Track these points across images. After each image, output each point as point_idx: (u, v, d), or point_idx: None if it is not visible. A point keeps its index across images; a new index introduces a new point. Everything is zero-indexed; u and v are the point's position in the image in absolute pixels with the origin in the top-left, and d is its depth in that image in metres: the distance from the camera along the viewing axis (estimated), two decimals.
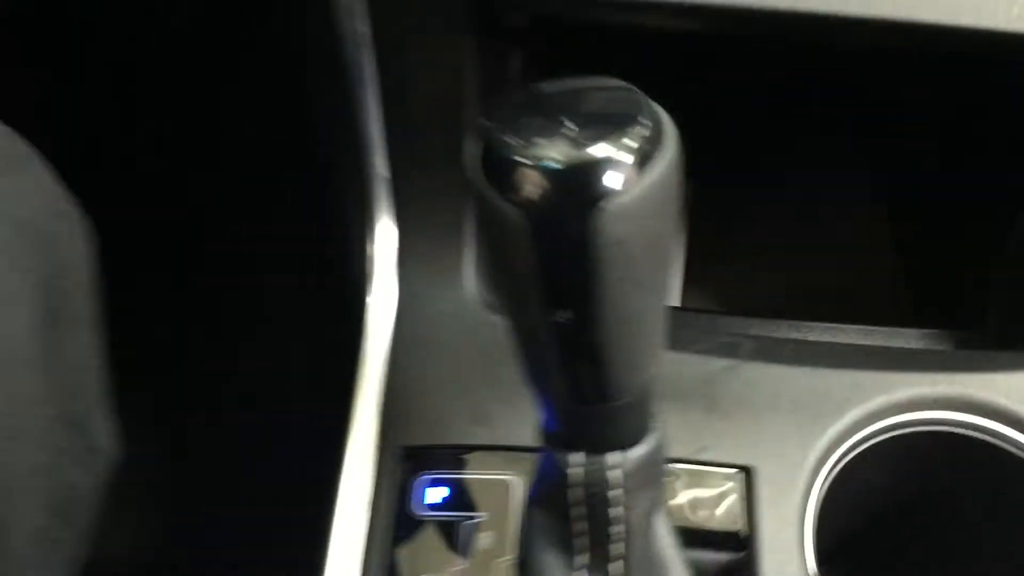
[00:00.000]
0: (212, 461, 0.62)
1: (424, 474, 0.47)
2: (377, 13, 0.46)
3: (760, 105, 0.62)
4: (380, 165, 0.52)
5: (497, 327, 0.52)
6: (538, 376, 0.35)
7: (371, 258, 0.53)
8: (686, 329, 0.51)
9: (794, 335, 0.55)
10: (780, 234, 0.63)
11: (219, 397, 0.63)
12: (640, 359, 0.33)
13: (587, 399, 0.34)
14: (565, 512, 0.38)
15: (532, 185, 0.28)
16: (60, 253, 0.46)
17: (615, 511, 0.37)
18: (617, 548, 0.38)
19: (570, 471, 0.36)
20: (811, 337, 0.55)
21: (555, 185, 0.28)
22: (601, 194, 0.28)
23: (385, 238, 0.53)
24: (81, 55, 0.57)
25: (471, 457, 0.47)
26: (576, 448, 0.36)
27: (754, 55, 0.59)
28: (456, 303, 0.52)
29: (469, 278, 0.53)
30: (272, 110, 0.58)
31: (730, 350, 0.49)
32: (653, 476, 0.37)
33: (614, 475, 0.36)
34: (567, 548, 0.39)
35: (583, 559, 0.39)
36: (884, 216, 0.68)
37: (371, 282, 0.53)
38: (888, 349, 0.52)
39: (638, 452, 0.36)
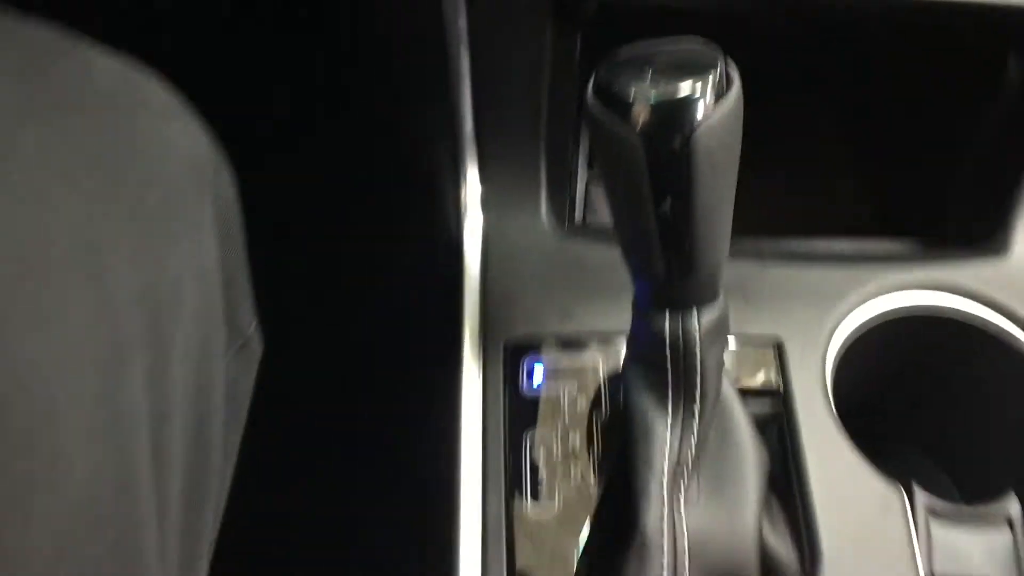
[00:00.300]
0: (336, 381, 0.74)
1: (527, 358, 0.60)
2: (473, 7, 0.59)
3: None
4: (468, 130, 0.65)
5: (567, 249, 0.66)
6: (638, 258, 0.49)
7: (464, 203, 0.67)
8: None
9: (791, 247, 0.69)
10: (763, 165, 0.77)
11: (345, 330, 0.75)
12: (718, 240, 0.47)
13: (677, 272, 0.47)
14: (658, 364, 0.51)
15: (645, 116, 0.42)
16: (221, 188, 0.54)
17: (696, 359, 0.51)
18: (699, 391, 0.52)
19: (666, 327, 0.50)
20: (803, 248, 0.69)
21: (661, 116, 0.42)
22: (692, 120, 0.41)
23: (474, 187, 0.67)
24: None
25: (563, 343, 0.61)
26: (665, 309, 0.50)
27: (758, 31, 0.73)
28: (534, 233, 0.66)
29: (543, 214, 0.66)
30: (386, 86, 0.70)
31: (756, 255, 0.63)
32: (722, 332, 0.51)
33: (696, 329, 0.50)
34: (661, 396, 0.53)
35: (675, 402, 0.52)
36: (852, 141, 0.82)
37: (464, 223, 0.67)
38: (873, 251, 0.66)
39: (712, 312, 0.50)
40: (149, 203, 0.46)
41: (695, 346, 0.50)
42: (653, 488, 0.52)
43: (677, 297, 0.49)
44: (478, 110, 0.64)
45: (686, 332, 0.50)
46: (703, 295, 0.49)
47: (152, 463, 0.43)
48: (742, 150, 0.44)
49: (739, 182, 0.46)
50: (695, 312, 0.49)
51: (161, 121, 0.50)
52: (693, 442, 0.53)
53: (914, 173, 0.75)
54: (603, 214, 0.81)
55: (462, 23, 0.59)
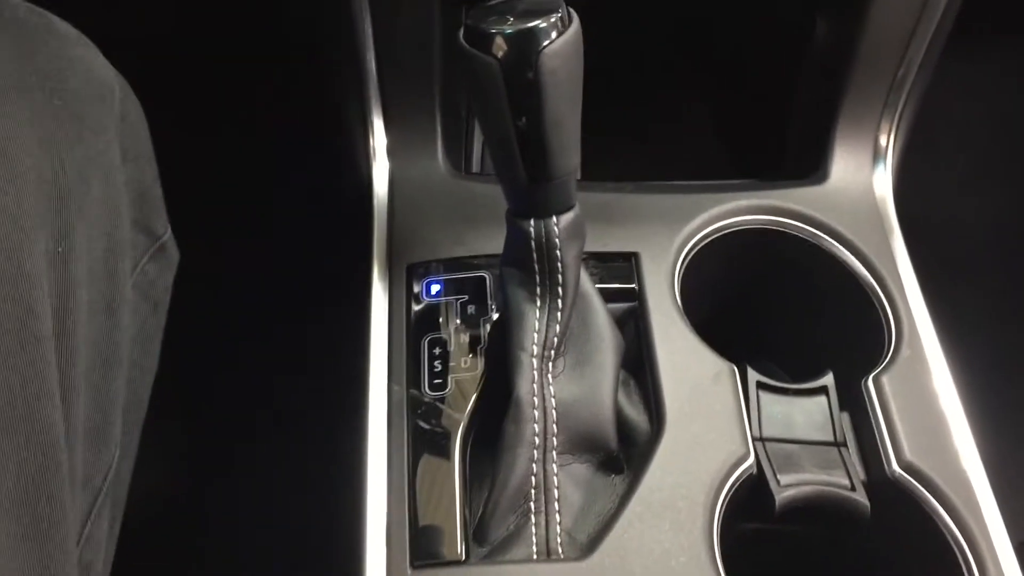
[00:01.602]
0: (254, 308, 0.84)
1: (426, 277, 0.71)
2: None
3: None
4: (375, 89, 0.76)
5: (461, 189, 0.77)
6: (506, 168, 0.60)
7: (373, 151, 0.78)
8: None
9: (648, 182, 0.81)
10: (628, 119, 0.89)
11: (263, 264, 0.85)
12: (567, 149, 0.58)
13: (536, 177, 0.59)
14: (527, 263, 0.63)
15: (502, 46, 0.53)
16: (128, 110, 0.61)
17: (557, 257, 0.62)
18: (561, 284, 0.63)
19: (531, 230, 0.61)
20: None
21: (514, 45, 0.53)
22: (538, 47, 0.53)
23: (381, 138, 0.78)
24: None
25: (455, 264, 0.72)
26: (531, 217, 0.61)
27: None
28: (433, 175, 0.77)
29: (440, 159, 0.78)
30: (301, 52, 0.81)
31: (617, 188, 0.75)
32: (578, 235, 0.62)
33: (555, 231, 0.61)
34: (531, 289, 0.64)
35: (541, 293, 0.64)
36: (704, 95, 0.95)
37: (374, 168, 0.78)
38: (718, 185, 0.78)
39: (569, 217, 0.61)
40: (54, 106, 0.53)
41: (555, 247, 0.62)
42: (525, 365, 0.63)
43: (539, 203, 0.60)
44: (381, 72, 0.75)
45: (548, 234, 0.61)
46: (560, 201, 0.61)
47: (56, 331, 0.49)
48: (608, 103, 0.56)
49: (604, 131, 0.58)
50: (554, 217, 0.61)
51: (67, 45, 0.58)
52: (558, 327, 0.64)
53: (752, 118, 0.88)
54: None
55: None
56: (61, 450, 0.47)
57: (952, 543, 0.61)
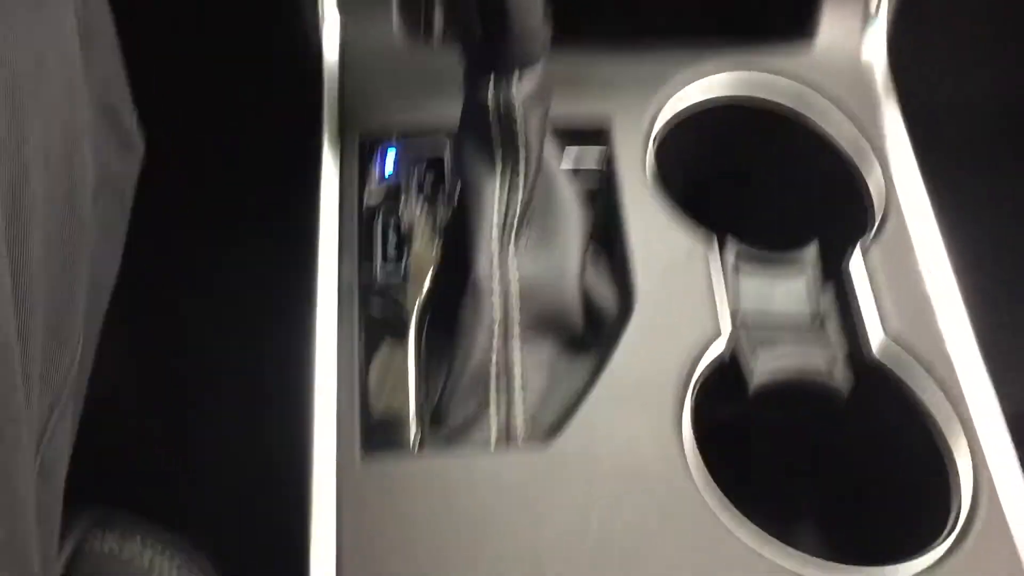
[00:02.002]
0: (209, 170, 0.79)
1: (380, 146, 0.66)
2: None
3: None
4: None
5: (418, 54, 0.71)
6: (462, 25, 0.54)
7: (322, 13, 0.71)
8: None
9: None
10: None
11: (217, 124, 0.79)
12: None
13: (496, 34, 0.53)
14: (484, 129, 0.57)
15: None
16: None
17: (517, 122, 0.56)
18: (522, 152, 0.58)
19: (489, 93, 0.55)
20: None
21: None
22: None
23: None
24: None
25: (413, 137, 0.66)
26: (488, 72, 0.55)
27: None
28: (388, 37, 0.71)
29: (396, 19, 0.71)
30: None
31: (587, 50, 0.69)
32: (543, 99, 0.57)
33: (516, 94, 0.55)
34: (489, 158, 0.58)
35: (501, 163, 0.58)
36: None
37: (323, 31, 0.71)
38: (697, 44, 0.72)
39: (532, 79, 0.55)
40: None
41: (515, 110, 0.56)
42: (483, 240, 0.58)
43: (498, 58, 0.55)
44: None
45: (507, 97, 0.55)
46: (521, 56, 0.55)
47: (6, 216, 0.46)
48: None
49: None
50: (515, 77, 0.55)
51: None
52: (519, 199, 0.59)
53: None
54: None
55: None
56: (13, 345, 0.44)
57: (939, 422, 0.57)
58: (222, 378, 0.77)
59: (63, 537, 0.60)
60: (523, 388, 0.58)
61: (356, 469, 0.53)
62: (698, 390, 0.57)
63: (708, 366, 0.58)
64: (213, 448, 0.74)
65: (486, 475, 0.53)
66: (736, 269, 0.63)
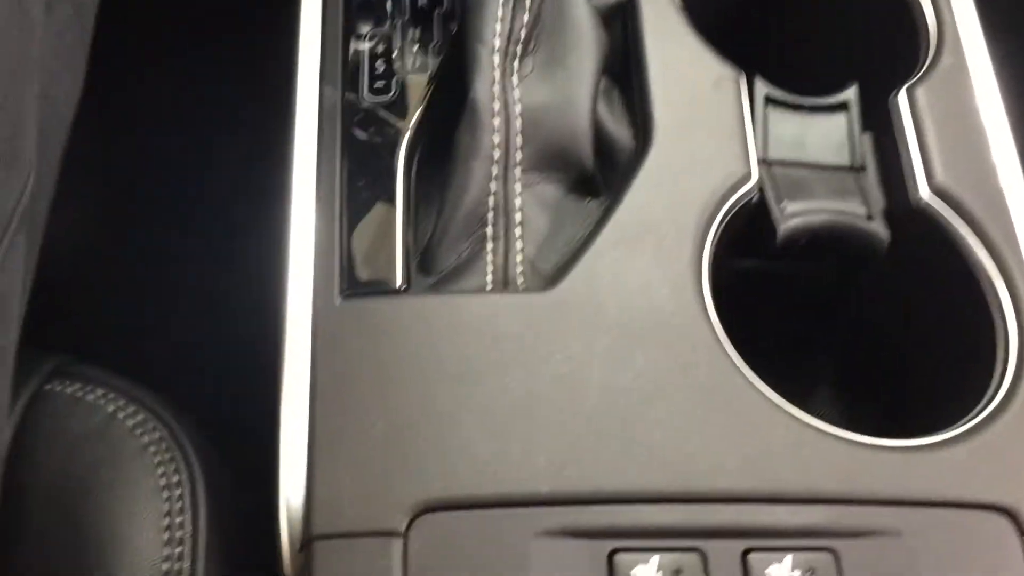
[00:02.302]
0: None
1: None
2: None
3: None
4: None
5: None
6: None
7: None
8: None
9: None
10: None
11: None
12: None
13: None
14: None
15: None
16: None
17: None
18: None
19: None
20: None
21: None
22: None
23: None
24: None
25: None
26: None
27: None
28: None
29: None
30: None
31: None
32: None
33: None
34: None
35: None
36: None
37: None
38: None
39: None
40: None
41: None
42: (484, 62, 0.51)
43: None
44: None
45: None
46: None
47: None
48: None
49: None
50: None
51: None
52: (526, 16, 0.52)
53: None
54: None
55: None
56: None
57: (983, 279, 0.51)
58: (194, 212, 0.70)
59: (20, 384, 0.55)
60: (523, 229, 0.52)
61: (334, 310, 0.48)
62: (720, 235, 0.51)
63: (732, 210, 0.51)
64: (183, 289, 0.68)
65: (478, 319, 0.47)
66: (767, 109, 0.56)
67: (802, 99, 0.57)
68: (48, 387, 0.56)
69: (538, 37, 0.53)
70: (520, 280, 0.50)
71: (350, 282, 0.49)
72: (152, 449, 0.54)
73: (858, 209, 0.53)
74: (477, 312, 0.47)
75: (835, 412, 0.61)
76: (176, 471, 0.53)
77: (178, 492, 0.52)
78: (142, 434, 0.54)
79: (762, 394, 0.46)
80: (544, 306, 0.48)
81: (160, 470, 0.53)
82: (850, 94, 0.57)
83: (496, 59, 0.52)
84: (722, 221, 0.51)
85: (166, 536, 0.50)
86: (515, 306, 0.48)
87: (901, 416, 0.57)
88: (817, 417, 0.47)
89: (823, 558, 0.42)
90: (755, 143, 0.54)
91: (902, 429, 0.47)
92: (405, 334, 0.47)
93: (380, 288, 0.49)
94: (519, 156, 0.52)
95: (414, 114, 0.54)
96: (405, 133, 0.53)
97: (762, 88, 0.56)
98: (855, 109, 0.57)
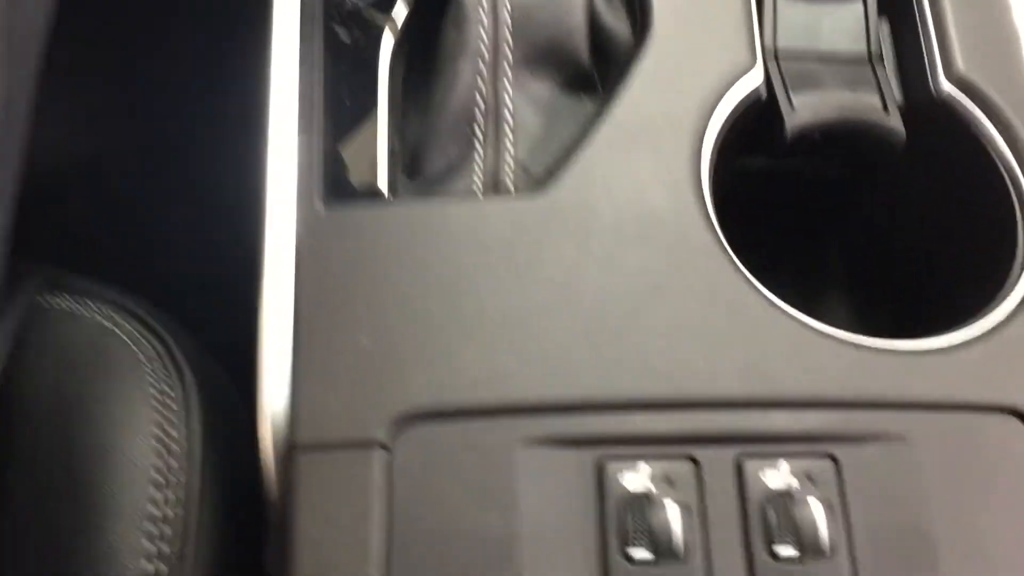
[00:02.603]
0: None
1: None
2: None
3: None
4: None
5: None
6: None
7: None
8: None
9: None
10: None
11: None
12: None
13: None
14: None
15: None
16: None
17: None
18: None
19: None
20: None
21: None
22: None
23: None
24: None
25: None
26: None
27: None
28: None
29: None
30: None
31: None
32: None
33: None
34: None
35: None
36: None
37: None
38: None
39: None
40: None
41: None
42: None
43: None
44: None
45: None
46: None
47: None
48: None
49: None
50: None
51: None
52: None
53: None
54: None
55: None
56: None
57: (1007, 177, 0.48)
58: (175, 123, 0.68)
59: (10, 296, 0.54)
60: (514, 131, 0.49)
61: (318, 219, 0.46)
62: (724, 132, 0.48)
63: (737, 105, 0.48)
64: (165, 205, 0.66)
65: (466, 226, 0.45)
66: None
67: None
68: (42, 299, 0.55)
69: None
70: (510, 184, 0.48)
71: (334, 188, 0.47)
72: (146, 361, 0.53)
73: (873, 101, 0.50)
74: (465, 218, 0.45)
75: (846, 316, 0.59)
76: (170, 384, 0.52)
77: (172, 404, 0.51)
78: (136, 347, 0.53)
79: (762, 296, 0.43)
80: (535, 211, 0.45)
81: (153, 380, 0.52)
82: None
83: None
84: (727, 118, 0.48)
85: (160, 447, 0.50)
86: (505, 211, 0.46)
87: (914, 318, 0.54)
88: (827, 321, 0.45)
89: (822, 464, 0.41)
90: (763, 31, 0.51)
91: (915, 332, 0.45)
92: (390, 243, 0.45)
93: (365, 196, 0.47)
94: (509, 53, 0.49)
95: (400, 12, 0.51)
96: (389, 31, 0.51)
97: None
98: None
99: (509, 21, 0.49)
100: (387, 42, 0.51)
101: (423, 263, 0.45)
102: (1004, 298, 0.45)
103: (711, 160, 0.48)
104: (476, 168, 0.48)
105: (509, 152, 0.49)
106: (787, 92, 0.49)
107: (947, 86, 0.50)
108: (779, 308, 0.43)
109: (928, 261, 0.55)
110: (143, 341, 0.53)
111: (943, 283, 0.54)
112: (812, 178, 0.55)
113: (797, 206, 0.58)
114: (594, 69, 0.51)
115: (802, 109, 0.49)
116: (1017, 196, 0.48)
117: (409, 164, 0.50)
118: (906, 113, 0.51)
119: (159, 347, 0.53)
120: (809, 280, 0.60)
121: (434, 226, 0.45)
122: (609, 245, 0.45)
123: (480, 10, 0.48)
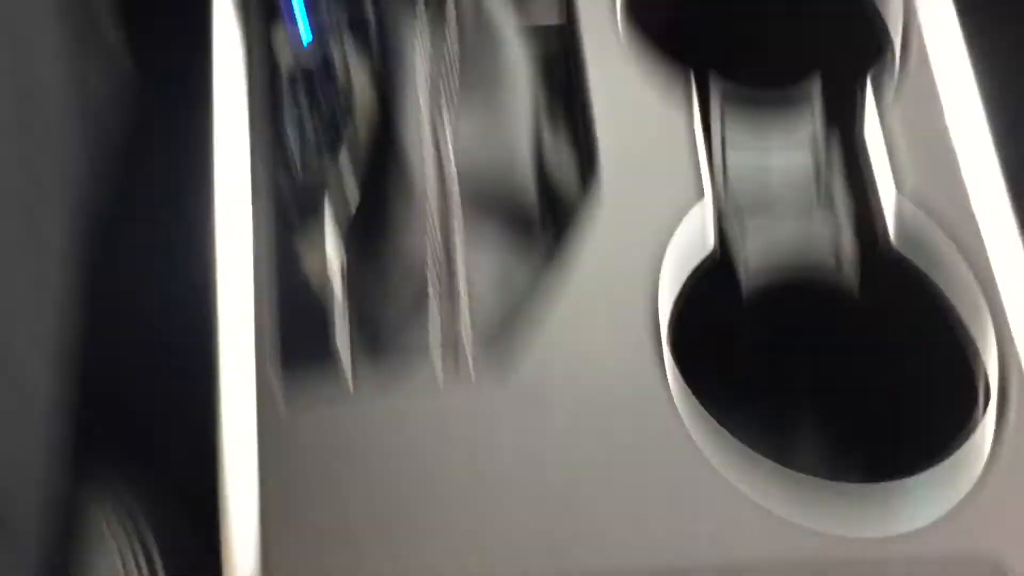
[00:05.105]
0: None
1: None
2: None
3: None
4: None
5: None
6: None
7: None
8: None
9: None
10: None
11: None
12: None
13: None
14: None
15: None
16: None
17: None
18: None
19: None
20: None
21: None
22: None
23: None
24: None
25: None
26: None
27: None
28: None
29: None
30: None
31: None
32: None
33: None
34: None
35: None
36: None
37: None
38: None
39: None
40: None
41: None
42: (410, 103, 0.48)
43: None
44: None
45: None
46: None
47: None
48: None
49: None
50: None
51: None
52: (448, 52, 0.48)
53: None
54: None
55: None
56: None
57: (963, 311, 0.49)
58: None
59: None
60: (467, 286, 0.49)
61: (281, 422, 0.45)
62: (685, 292, 0.48)
63: (692, 268, 0.48)
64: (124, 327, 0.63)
65: (428, 419, 0.45)
66: (723, 112, 0.52)
67: (758, 95, 0.53)
68: None
69: (470, 78, 0.49)
70: (466, 340, 0.48)
71: (295, 388, 0.46)
72: (116, 543, 0.52)
73: (826, 258, 0.50)
74: (426, 412, 0.45)
75: (817, 454, 0.60)
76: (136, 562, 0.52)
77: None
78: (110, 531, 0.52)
79: (715, 471, 0.44)
80: (495, 400, 0.45)
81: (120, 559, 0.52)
82: (810, 90, 0.53)
83: (422, 101, 0.48)
84: (685, 282, 0.48)
85: None
86: (465, 404, 0.45)
87: (884, 457, 0.55)
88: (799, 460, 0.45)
89: None
90: (713, 183, 0.50)
91: (886, 468, 0.46)
92: (355, 439, 0.45)
93: (329, 395, 0.46)
94: (457, 207, 0.49)
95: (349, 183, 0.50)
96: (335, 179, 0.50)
97: (717, 85, 0.52)
98: (816, 109, 0.53)
99: (454, 172, 0.48)
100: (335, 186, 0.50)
101: (387, 456, 0.44)
102: (971, 442, 0.46)
103: (670, 316, 0.48)
104: (432, 324, 0.48)
105: (464, 305, 0.48)
106: (743, 253, 0.49)
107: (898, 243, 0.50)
108: (750, 499, 0.44)
109: (892, 401, 0.56)
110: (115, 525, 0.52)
111: (909, 423, 0.54)
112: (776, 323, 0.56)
113: (767, 343, 0.58)
114: (546, 211, 0.51)
115: (757, 272, 0.49)
116: (971, 336, 0.49)
117: (365, 325, 0.49)
118: (860, 261, 0.51)
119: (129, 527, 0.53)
120: (782, 415, 0.61)
121: (395, 422, 0.45)
122: (570, 424, 0.45)
123: (425, 161, 0.48)
